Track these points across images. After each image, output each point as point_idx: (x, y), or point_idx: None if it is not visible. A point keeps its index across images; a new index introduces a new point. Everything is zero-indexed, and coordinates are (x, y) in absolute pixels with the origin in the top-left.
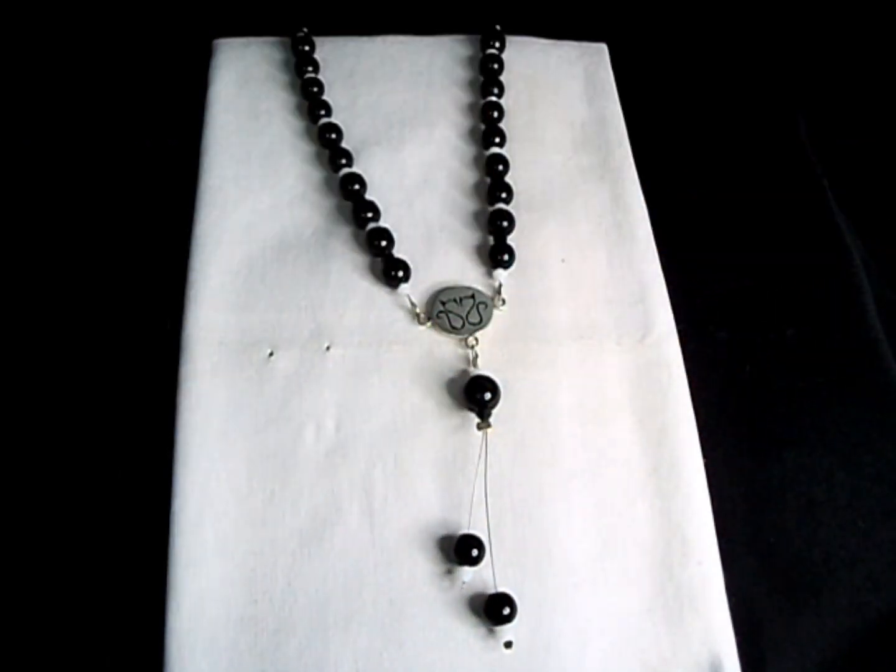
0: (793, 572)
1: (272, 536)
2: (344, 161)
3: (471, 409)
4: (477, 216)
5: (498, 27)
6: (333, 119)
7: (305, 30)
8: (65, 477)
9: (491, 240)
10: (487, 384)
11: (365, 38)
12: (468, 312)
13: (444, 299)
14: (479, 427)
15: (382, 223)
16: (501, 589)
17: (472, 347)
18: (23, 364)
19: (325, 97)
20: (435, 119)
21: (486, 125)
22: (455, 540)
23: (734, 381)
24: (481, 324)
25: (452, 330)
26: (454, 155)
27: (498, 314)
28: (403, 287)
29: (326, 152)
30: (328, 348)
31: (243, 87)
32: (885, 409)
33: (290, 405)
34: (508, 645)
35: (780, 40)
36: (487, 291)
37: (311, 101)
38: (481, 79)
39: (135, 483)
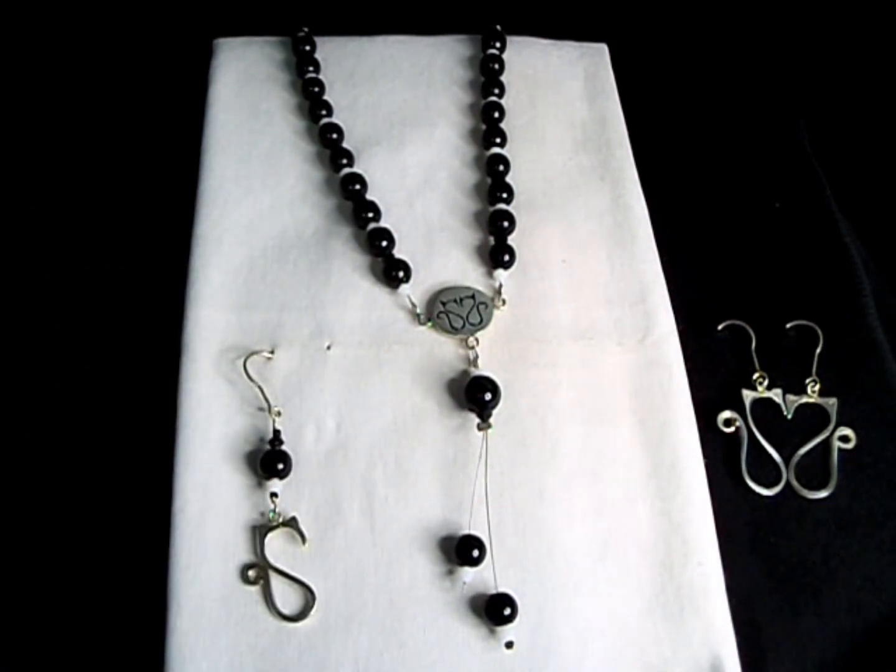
0: (793, 572)
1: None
2: (345, 161)
3: (471, 410)
4: (477, 216)
5: (498, 27)
6: (334, 119)
7: (306, 29)
8: (66, 477)
9: (491, 240)
10: (488, 384)
11: (365, 38)
12: (468, 313)
13: (445, 300)
14: (479, 427)
15: (383, 223)
16: (502, 589)
17: (473, 348)
18: (23, 364)
19: (325, 97)
20: (435, 119)
21: (487, 125)
22: (456, 540)
23: (734, 381)
24: (482, 324)
25: (453, 330)
26: (455, 155)
27: (498, 314)
28: (404, 287)
29: (327, 152)
30: (329, 348)
31: (244, 87)
32: (885, 409)
33: (291, 405)
34: (509, 645)
35: (781, 40)
36: (488, 292)
37: (312, 101)
38: (482, 79)
39: (136, 483)
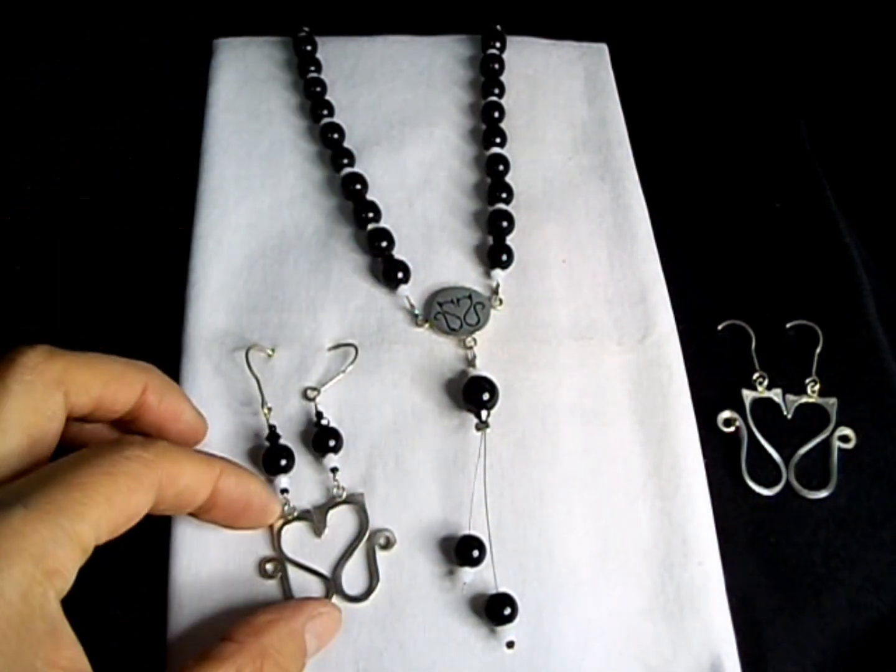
0: (793, 572)
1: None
2: (346, 161)
3: (469, 410)
4: (477, 216)
5: (498, 27)
6: (335, 119)
7: (307, 29)
8: None
9: (490, 240)
10: (486, 385)
11: (365, 38)
12: (465, 313)
13: (441, 300)
14: (477, 428)
15: (383, 223)
16: (502, 589)
17: (471, 348)
18: None
19: (327, 97)
20: (435, 119)
21: (487, 125)
22: (456, 540)
23: (734, 381)
24: (479, 324)
25: (450, 331)
26: (455, 155)
27: (498, 314)
28: (403, 288)
29: (327, 152)
30: (329, 349)
31: (244, 87)
32: (885, 409)
33: (290, 405)
34: (511, 645)
35: (781, 40)
36: (486, 292)
37: (313, 101)
38: (482, 79)
39: None
